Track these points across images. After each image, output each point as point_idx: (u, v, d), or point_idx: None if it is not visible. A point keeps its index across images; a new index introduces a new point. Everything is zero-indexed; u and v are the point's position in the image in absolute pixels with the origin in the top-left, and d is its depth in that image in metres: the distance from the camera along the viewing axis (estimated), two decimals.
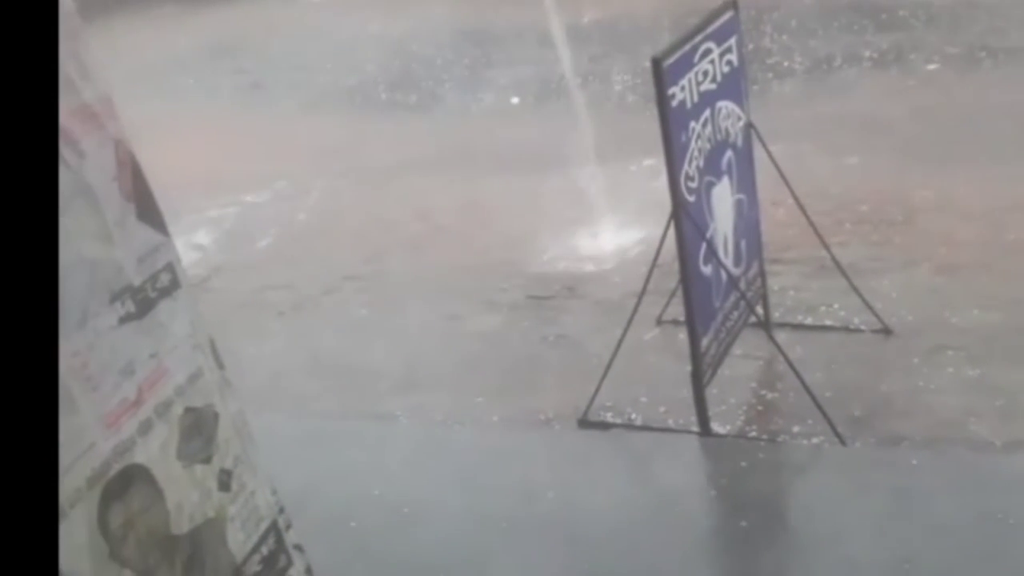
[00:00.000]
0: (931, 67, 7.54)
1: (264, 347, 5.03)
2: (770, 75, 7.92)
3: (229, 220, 6.94)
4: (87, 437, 1.70)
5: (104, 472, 1.73)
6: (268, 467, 2.18)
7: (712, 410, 3.79)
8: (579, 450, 3.84)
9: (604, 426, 3.99)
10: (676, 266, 3.56)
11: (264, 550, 2.10)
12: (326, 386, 4.62)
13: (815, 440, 3.68)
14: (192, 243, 6.39)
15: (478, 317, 5.04)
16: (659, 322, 4.59)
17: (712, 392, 3.82)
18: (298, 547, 2.22)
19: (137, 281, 1.81)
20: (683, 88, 3.36)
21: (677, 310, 4.07)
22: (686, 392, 3.78)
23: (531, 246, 5.70)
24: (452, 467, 3.74)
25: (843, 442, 3.58)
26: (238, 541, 2.03)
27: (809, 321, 4.45)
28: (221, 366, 2.04)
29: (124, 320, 1.78)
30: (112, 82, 1.79)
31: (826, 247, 4.28)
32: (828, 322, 4.42)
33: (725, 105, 3.72)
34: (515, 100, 8.71)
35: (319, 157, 7.92)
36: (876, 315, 4.26)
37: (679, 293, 3.70)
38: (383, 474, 3.71)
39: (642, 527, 3.27)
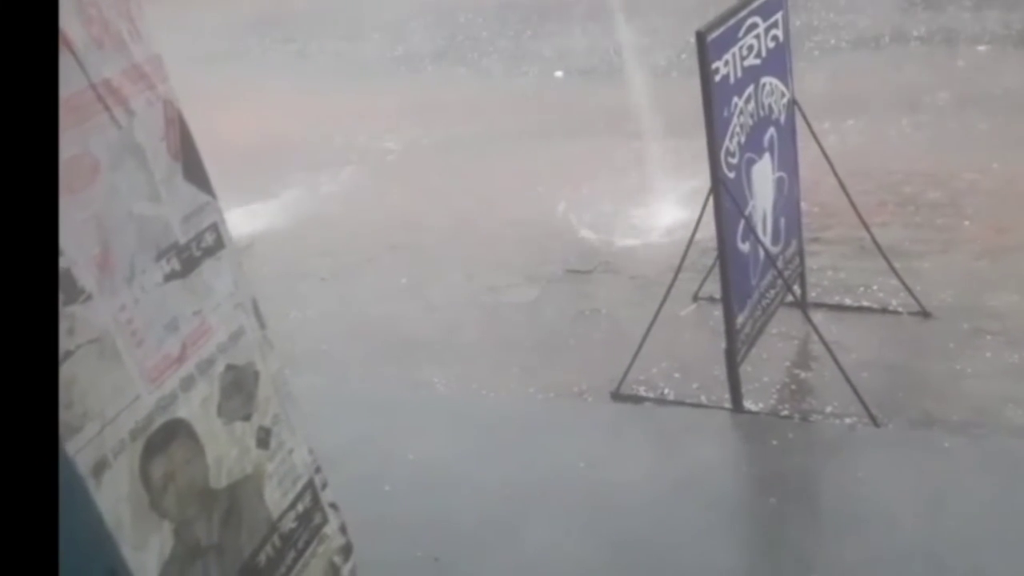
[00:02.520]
0: (980, 48, 7.39)
1: (305, 312, 5.10)
2: (816, 52, 7.81)
3: (271, 187, 7.01)
4: (132, 390, 1.74)
5: (147, 425, 1.77)
6: (305, 428, 2.23)
7: (745, 388, 3.79)
8: (611, 423, 3.86)
9: (637, 400, 4.00)
10: (714, 243, 3.55)
11: (300, 507, 2.15)
12: (365, 352, 4.68)
13: (848, 421, 3.67)
14: (235, 208, 6.48)
15: (516, 289, 5.07)
16: (695, 299, 4.58)
17: (746, 370, 3.82)
18: (333, 505, 2.27)
19: (183, 239, 1.85)
20: (727, 63, 3.34)
21: (714, 287, 4.07)
22: (720, 369, 3.78)
23: (572, 220, 5.71)
24: (485, 435, 3.78)
25: (876, 423, 3.57)
26: (275, 498, 2.07)
27: (847, 302, 4.42)
28: (263, 326, 2.07)
29: (169, 277, 1.82)
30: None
31: (866, 227, 4.24)
32: (866, 303, 4.39)
33: (769, 81, 3.68)
34: (559, 74, 8.68)
35: (361, 127, 7.96)
36: (915, 297, 4.22)
37: (716, 270, 3.69)
38: (418, 440, 3.75)
39: (671, 500, 3.29)
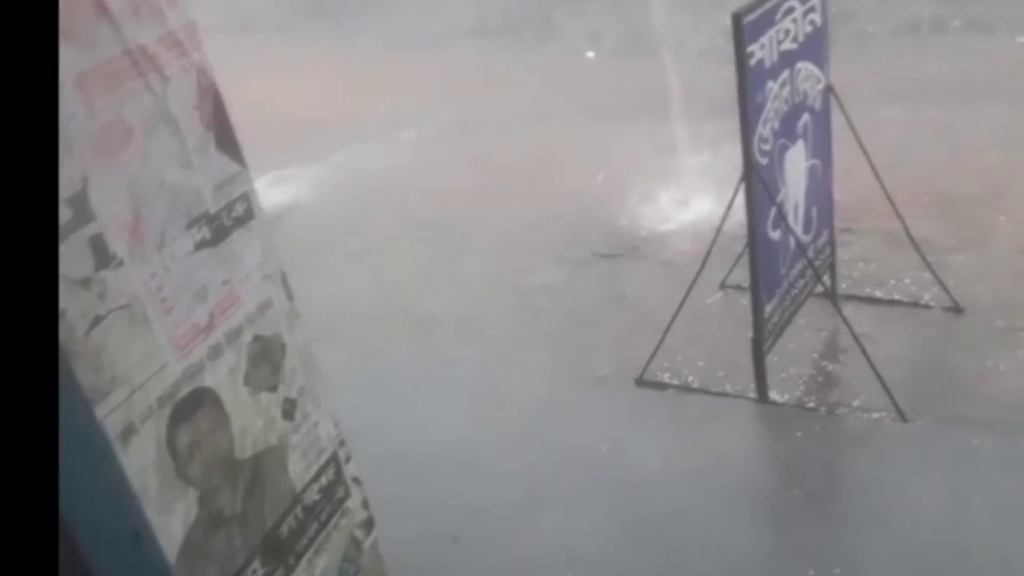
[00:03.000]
0: (1021, 39, 7.25)
1: (331, 287, 5.11)
2: (853, 39, 7.69)
3: (303, 160, 7.02)
4: (160, 358, 1.74)
5: (174, 392, 1.78)
6: (330, 402, 2.23)
7: (771, 378, 3.77)
8: (634, 408, 3.85)
9: (660, 386, 3.98)
10: (744, 231, 3.51)
11: (323, 480, 2.15)
12: (387, 328, 4.68)
13: (875, 415, 3.63)
14: (267, 180, 6.50)
15: (543, 271, 5.05)
16: (723, 287, 4.55)
17: (772, 360, 3.79)
18: (356, 480, 2.27)
19: (214, 209, 1.85)
20: (763, 46, 3.29)
21: (742, 275, 4.03)
22: (746, 359, 3.75)
23: (601, 203, 5.67)
24: (507, 416, 3.78)
25: (904, 418, 3.53)
26: (298, 470, 2.08)
27: (877, 294, 4.37)
28: (291, 298, 2.07)
29: (199, 246, 1.82)
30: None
31: (900, 219, 4.18)
32: (897, 296, 4.33)
33: (805, 66, 3.63)
34: (591, 54, 8.61)
35: (390, 103, 7.94)
36: (948, 292, 4.17)
37: (744, 258, 3.66)
38: (439, 418, 3.76)
39: (692, 487, 3.28)
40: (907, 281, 4.38)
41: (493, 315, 4.70)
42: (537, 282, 4.96)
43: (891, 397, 3.55)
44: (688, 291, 3.90)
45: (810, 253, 3.93)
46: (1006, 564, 2.78)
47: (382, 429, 3.56)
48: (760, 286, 3.57)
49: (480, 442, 3.59)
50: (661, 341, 3.93)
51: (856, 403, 3.72)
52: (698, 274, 3.92)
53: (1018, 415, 3.51)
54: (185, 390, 1.81)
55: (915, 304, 4.25)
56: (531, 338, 4.45)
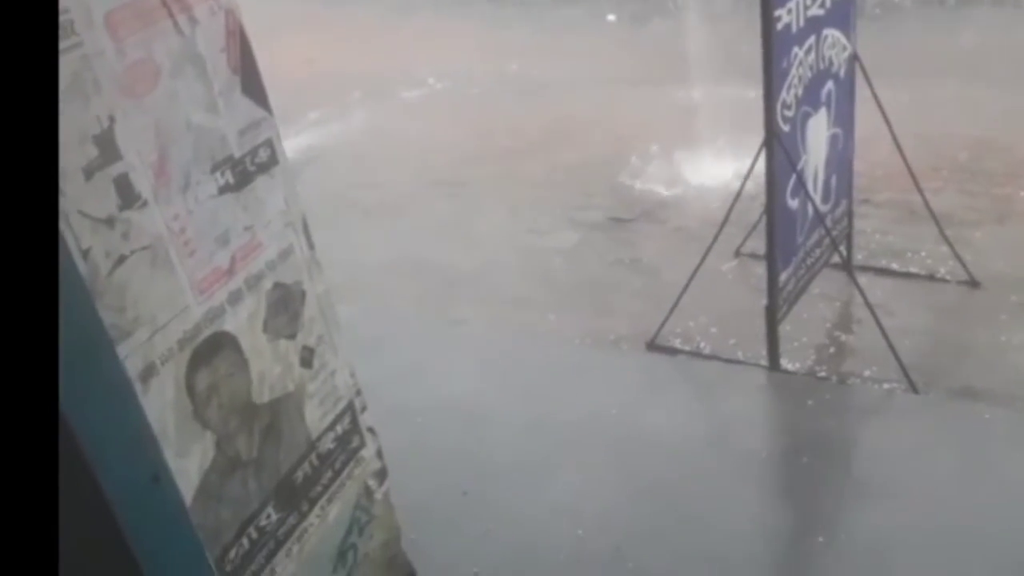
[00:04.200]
0: None
1: (348, 241, 5.11)
2: (879, 9, 7.59)
3: (321, 115, 7.00)
4: (181, 300, 1.75)
5: (195, 335, 1.79)
6: (347, 352, 2.23)
7: (783, 347, 3.75)
8: (645, 372, 3.85)
9: (672, 351, 3.98)
10: (760, 198, 3.49)
11: (339, 429, 2.17)
12: (400, 285, 4.69)
13: (887, 386, 3.63)
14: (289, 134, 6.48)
15: (558, 233, 5.04)
16: (738, 254, 4.53)
17: (785, 329, 3.78)
18: (371, 430, 2.29)
19: (238, 153, 1.85)
20: (790, 11, 3.25)
21: (758, 243, 4.01)
22: (759, 327, 3.74)
23: (617, 168, 5.65)
24: (518, 376, 3.79)
25: (915, 390, 3.53)
26: (315, 417, 2.09)
27: (894, 266, 4.35)
28: (311, 246, 2.08)
29: (223, 190, 1.82)
30: None
31: (920, 192, 4.15)
32: (913, 269, 4.31)
33: (831, 33, 3.59)
34: (611, 17, 8.53)
35: (408, 62, 7.89)
36: (964, 266, 4.14)
37: (761, 226, 3.64)
38: (450, 375, 3.77)
39: (701, 451, 3.29)
40: (924, 254, 4.36)
41: (507, 275, 4.70)
42: (551, 244, 4.96)
43: (903, 368, 3.54)
44: (703, 257, 3.89)
45: (828, 222, 3.90)
46: (1013, 536, 2.79)
47: (392, 383, 3.57)
48: (776, 254, 3.55)
49: (491, 400, 3.60)
50: (674, 306, 3.92)
51: (868, 374, 3.72)
52: (714, 240, 3.90)
53: None
54: (205, 333, 1.82)
55: (931, 277, 4.24)
56: (544, 299, 4.45)
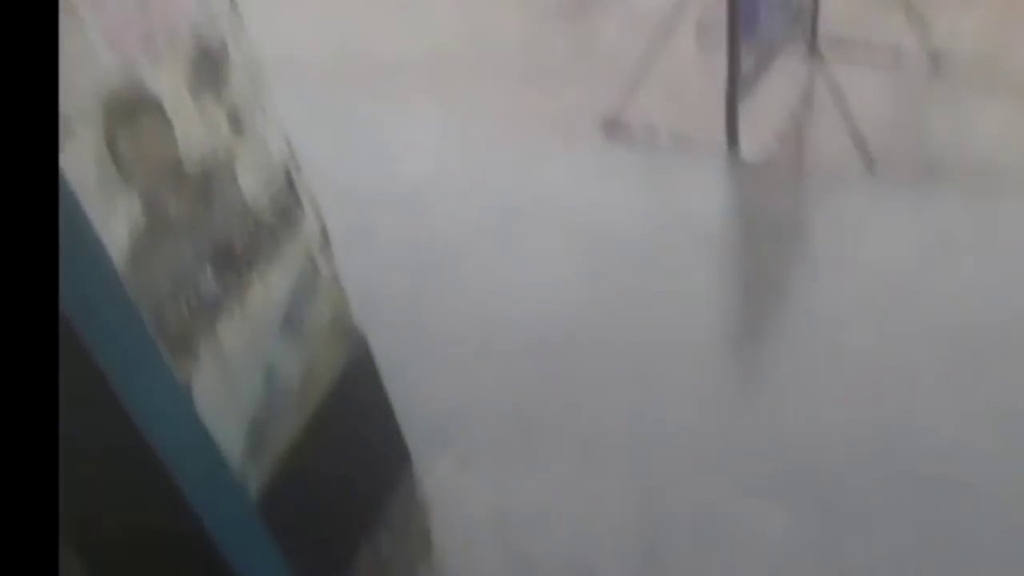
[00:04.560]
0: None
1: (277, 29, 4.82)
2: None
3: None
4: (92, 55, 1.62)
5: (112, 93, 1.67)
6: (280, 122, 2.12)
7: (743, 131, 3.68)
8: (601, 160, 3.78)
9: (628, 138, 3.90)
10: None
11: (277, 197, 2.08)
12: (344, 74, 4.49)
13: (846, 168, 3.59)
14: None
15: (508, 23, 4.81)
16: (698, 36, 4.35)
17: (745, 115, 3.69)
18: (313, 203, 2.21)
19: None
20: None
21: (720, 25, 3.84)
22: (719, 112, 3.65)
23: None
24: (469, 158, 3.71)
25: (873, 171, 3.50)
26: (248, 184, 2.00)
27: (859, 51, 4.22)
28: (235, 7, 1.92)
29: None
30: None
31: None
32: (879, 54, 4.19)
33: None
34: None
35: None
36: (930, 51, 4.03)
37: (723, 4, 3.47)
38: (396, 160, 3.67)
39: (658, 233, 3.28)
40: (890, 39, 4.23)
41: (454, 64, 4.51)
42: (501, 34, 4.73)
43: (862, 148, 3.50)
44: (659, 39, 3.74)
45: (793, 1, 3.74)
46: (962, 305, 2.84)
47: (339, 168, 3.46)
48: (736, 31, 3.41)
49: (439, 186, 3.53)
50: (630, 89, 3.80)
51: (827, 156, 3.68)
52: (670, 22, 3.74)
53: (988, 173, 3.50)
54: (123, 91, 1.69)
55: (896, 62, 4.13)
56: (494, 88, 4.29)
